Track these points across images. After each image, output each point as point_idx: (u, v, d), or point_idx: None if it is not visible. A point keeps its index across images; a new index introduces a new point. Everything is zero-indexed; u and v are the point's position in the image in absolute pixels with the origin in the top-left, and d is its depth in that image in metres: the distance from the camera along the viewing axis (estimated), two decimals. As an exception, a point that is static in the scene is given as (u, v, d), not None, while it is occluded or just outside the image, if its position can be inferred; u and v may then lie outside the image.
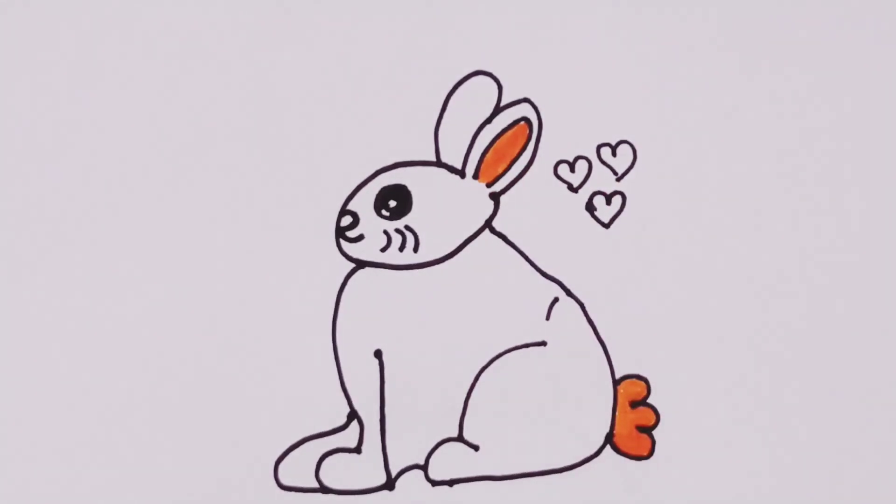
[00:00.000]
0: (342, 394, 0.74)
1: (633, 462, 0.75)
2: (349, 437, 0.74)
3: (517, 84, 0.74)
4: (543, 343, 0.74)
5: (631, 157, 0.75)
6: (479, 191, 0.74)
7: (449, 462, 0.74)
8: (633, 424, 0.75)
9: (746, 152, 0.75)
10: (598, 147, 0.75)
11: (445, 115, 0.74)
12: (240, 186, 0.74)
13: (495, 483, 0.74)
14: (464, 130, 0.74)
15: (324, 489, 0.74)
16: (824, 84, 0.76)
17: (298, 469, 0.74)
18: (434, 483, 0.74)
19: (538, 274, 0.74)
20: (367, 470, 0.74)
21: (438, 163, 0.74)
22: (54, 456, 0.73)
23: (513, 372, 0.74)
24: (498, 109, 0.74)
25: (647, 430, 0.75)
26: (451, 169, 0.74)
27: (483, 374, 0.74)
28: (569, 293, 0.75)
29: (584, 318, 0.75)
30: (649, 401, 0.75)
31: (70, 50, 0.74)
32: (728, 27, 0.75)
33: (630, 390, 0.75)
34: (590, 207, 0.75)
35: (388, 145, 0.74)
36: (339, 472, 0.74)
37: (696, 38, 0.75)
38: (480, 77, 0.74)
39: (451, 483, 0.74)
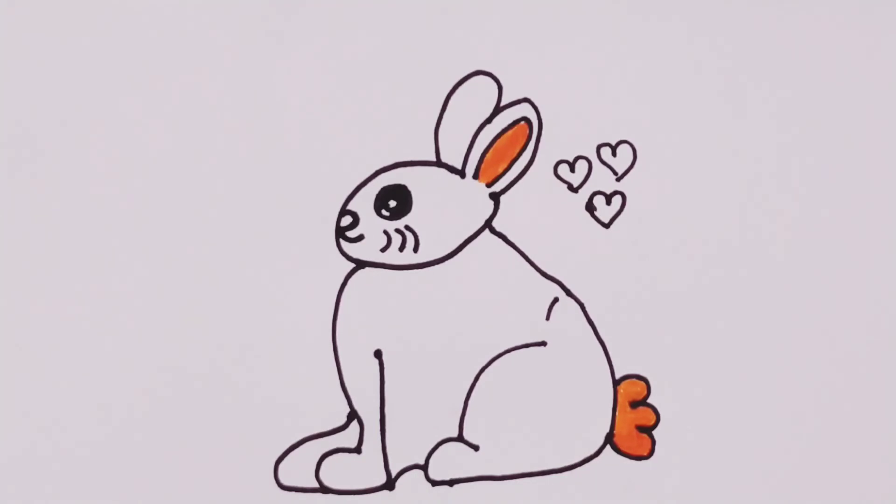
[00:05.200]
0: (342, 394, 0.74)
1: (633, 462, 0.75)
2: (349, 437, 0.74)
3: (517, 84, 0.74)
4: (543, 343, 0.74)
5: (631, 157, 0.75)
6: (479, 191, 0.74)
7: (449, 462, 0.74)
8: (633, 424, 0.75)
9: (746, 152, 0.75)
10: (598, 147, 0.75)
11: (445, 115, 0.74)
12: (240, 186, 0.74)
13: (495, 483, 0.74)
14: (464, 130, 0.74)
15: (324, 489, 0.74)
16: (825, 84, 0.76)
17: (298, 469, 0.74)
18: (434, 483, 0.74)
19: (538, 274, 0.75)
20: (367, 470, 0.74)
21: (438, 163, 0.74)
22: (55, 456, 0.73)
23: (513, 372, 0.74)
24: (498, 109, 0.74)
25: (647, 430, 0.75)
26: (451, 169, 0.74)
27: (483, 374, 0.74)
28: (569, 293, 0.75)
29: (584, 318, 0.75)
30: (649, 401, 0.75)
31: (71, 51, 0.74)
32: (728, 27, 0.75)
33: (630, 390, 0.75)
34: (590, 207, 0.75)
35: (388, 145, 0.74)
36: (339, 472, 0.74)
37: (697, 38, 0.75)
38: (480, 77, 0.74)
39: (451, 483, 0.74)
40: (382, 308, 0.74)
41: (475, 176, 0.74)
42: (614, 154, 0.75)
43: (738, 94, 0.75)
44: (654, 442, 0.75)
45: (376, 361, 0.74)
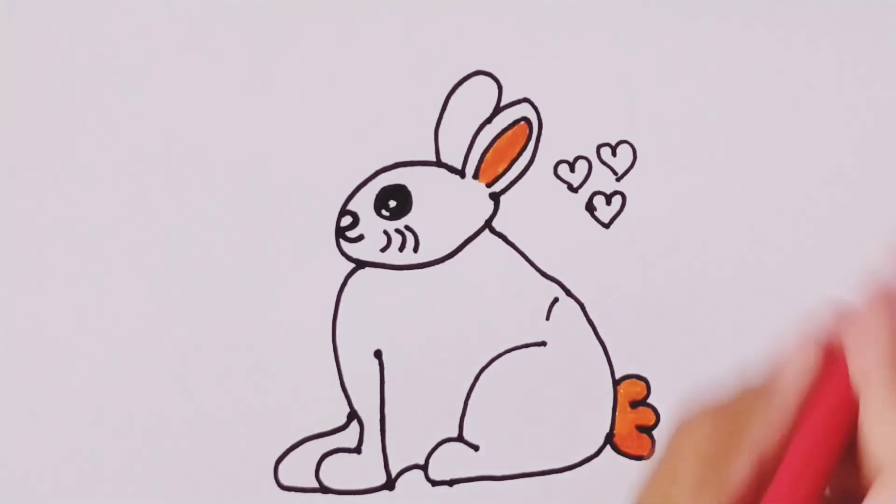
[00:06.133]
0: (342, 394, 0.74)
1: (633, 462, 0.75)
2: (349, 437, 0.74)
3: (517, 84, 0.74)
4: (543, 343, 0.74)
5: (631, 157, 0.75)
6: (479, 191, 0.74)
7: (449, 462, 0.74)
8: (633, 424, 0.75)
9: (746, 152, 0.75)
10: (598, 147, 0.75)
11: (445, 115, 0.74)
12: (240, 186, 0.74)
13: (495, 483, 0.74)
14: (464, 130, 0.74)
15: (324, 489, 0.74)
16: (825, 85, 0.76)
17: (298, 469, 0.74)
18: (434, 483, 0.74)
19: (538, 274, 0.75)
20: (367, 470, 0.74)
21: (438, 163, 0.74)
22: (53, 456, 0.73)
23: (513, 372, 0.74)
24: (498, 109, 0.74)
25: (647, 430, 0.75)
26: (451, 169, 0.74)
27: (483, 374, 0.74)
28: (569, 293, 0.75)
29: (584, 318, 0.75)
30: (649, 401, 0.75)
31: (71, 51, 0.73)
32: (728, 26, 0.75)
33: (630, 390, 0.75)
34: (590, 207, 0.75)
35: (388, 145, 0.74)
36: (339, 472, 0.74)
37: (696, 37, 0.75)
38: (480, 77, 0.74)
39: (451, 483, 0.74)
40: (382, 308, 0.74)
41: (475, 176, 0.74)
42: (614, 154, 0.75)
43: (739, 93, 0.75)
44: (654, 442, 0.75)
45: (376, 361, 0.74)
